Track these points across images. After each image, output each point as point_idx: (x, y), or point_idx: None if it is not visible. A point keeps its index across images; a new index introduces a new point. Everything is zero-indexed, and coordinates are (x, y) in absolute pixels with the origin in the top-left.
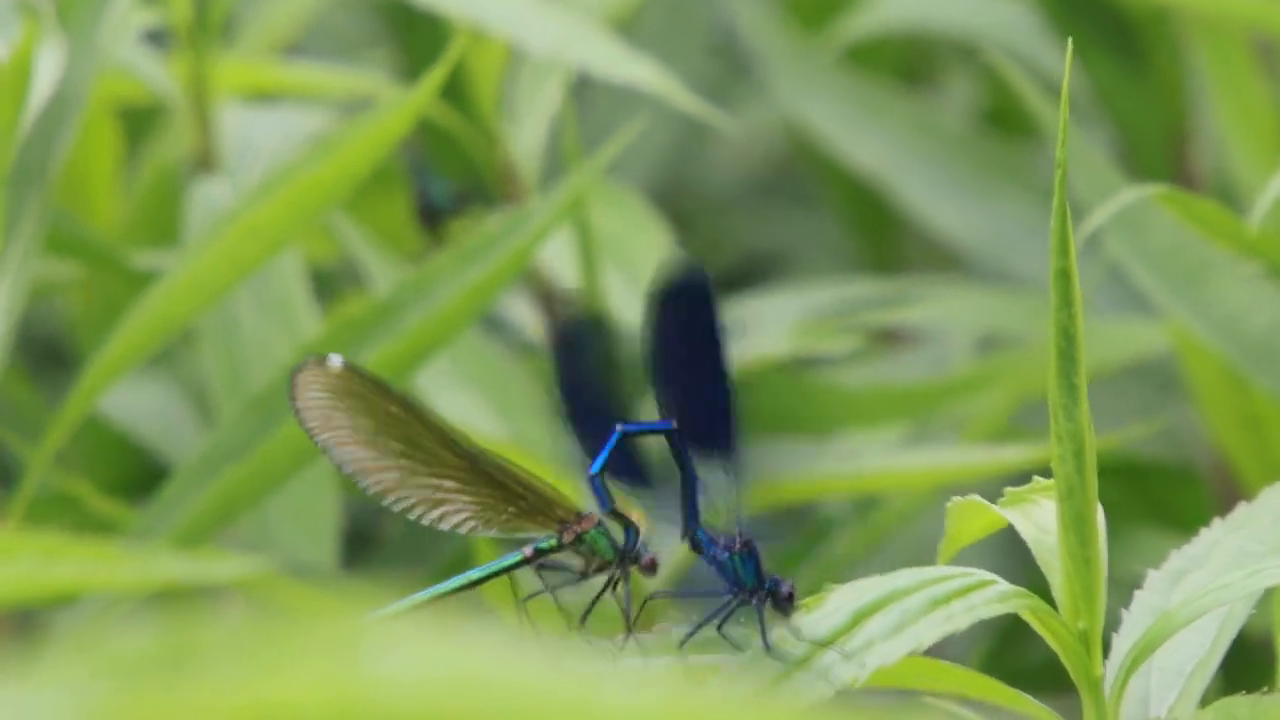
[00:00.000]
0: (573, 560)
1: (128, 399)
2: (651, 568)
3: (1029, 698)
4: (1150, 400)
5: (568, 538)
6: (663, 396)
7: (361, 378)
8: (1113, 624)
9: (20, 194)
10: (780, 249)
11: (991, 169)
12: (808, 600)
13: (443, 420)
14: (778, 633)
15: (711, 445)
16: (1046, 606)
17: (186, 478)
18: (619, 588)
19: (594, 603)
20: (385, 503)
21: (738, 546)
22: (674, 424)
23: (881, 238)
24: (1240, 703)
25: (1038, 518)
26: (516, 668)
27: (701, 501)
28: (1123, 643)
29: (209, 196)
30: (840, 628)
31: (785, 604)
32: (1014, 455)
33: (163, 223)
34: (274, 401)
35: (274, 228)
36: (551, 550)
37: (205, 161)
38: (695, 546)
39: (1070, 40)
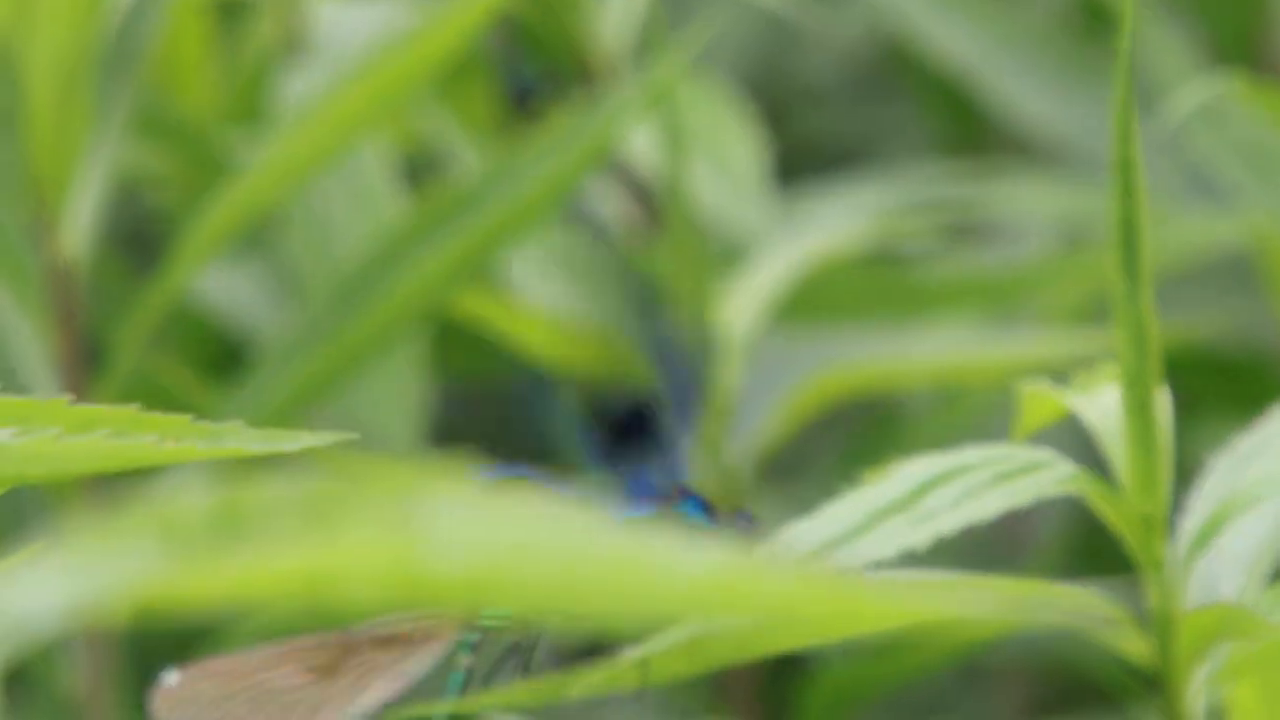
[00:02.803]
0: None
1: (218, 284)
2: None
3: (1083, 588)
4: (1230, 295)
5: (474, 620)
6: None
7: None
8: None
9: (112, 79)
10: (871, 144)
11: (1080, 63)
12: (873, 472)
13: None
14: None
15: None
16: (1109, 489)
17: (274, 361)
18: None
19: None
20: None
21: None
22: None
23: (972, 134)
24: None
25: (1103, 403)
26: (574, 535)
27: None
28: (1187, 526)
29: (297, 84)
30: (903, 497)
31: (749, 528)
32: (1095, 344)
33: (255, 110)
34: (360, 285)
35: (360, 114)
36: (474, 644)
37: (295, 50)
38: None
39: None
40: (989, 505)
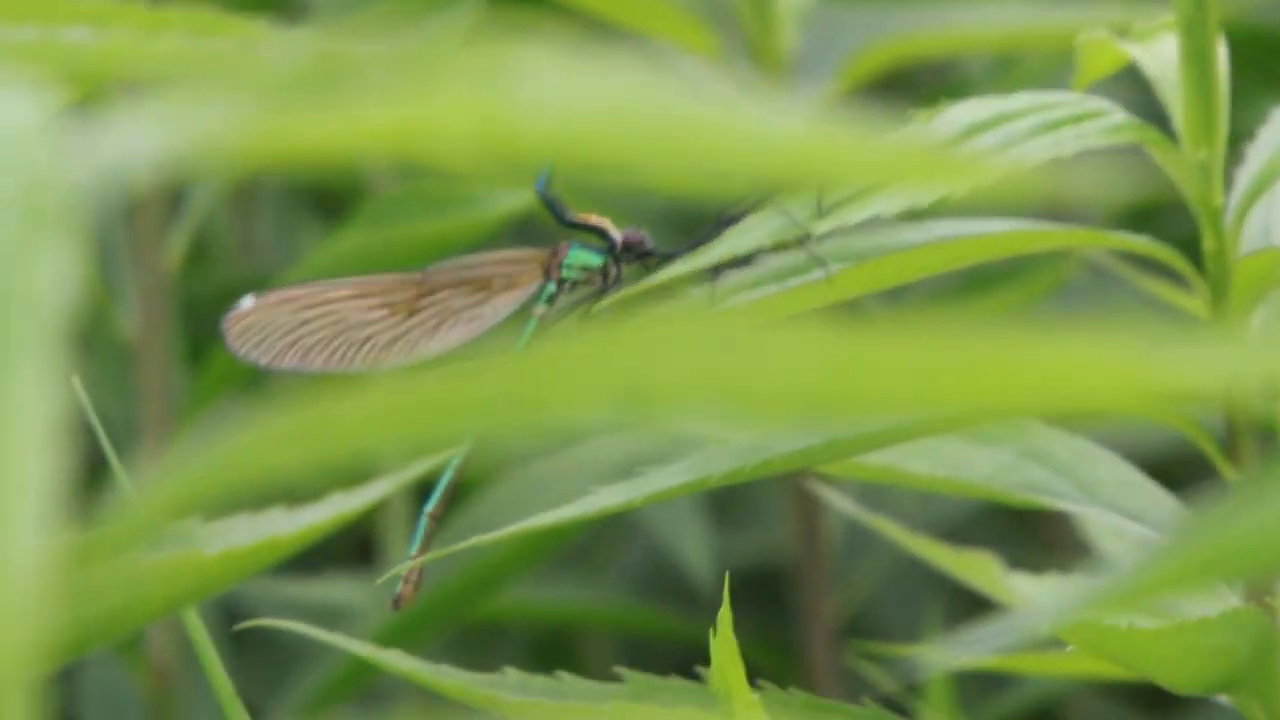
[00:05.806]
0: (582, 290)
1: None
2: (643, 244)
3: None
4: None
5: (555, 274)
6: None
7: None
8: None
9: None
10: None
11: None
12: (924, 113)
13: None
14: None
15: None
16: (1163, 137)
17: None
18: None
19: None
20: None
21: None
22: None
23: None
24: None
25: (1161, 53)
26: (668, 96)
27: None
28: (1244, 175)
29: None
30: (950, 139)
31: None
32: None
33: None
34: None
35: None
36: (553, 295)
37: None
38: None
39: None
40: (1032, 153)
